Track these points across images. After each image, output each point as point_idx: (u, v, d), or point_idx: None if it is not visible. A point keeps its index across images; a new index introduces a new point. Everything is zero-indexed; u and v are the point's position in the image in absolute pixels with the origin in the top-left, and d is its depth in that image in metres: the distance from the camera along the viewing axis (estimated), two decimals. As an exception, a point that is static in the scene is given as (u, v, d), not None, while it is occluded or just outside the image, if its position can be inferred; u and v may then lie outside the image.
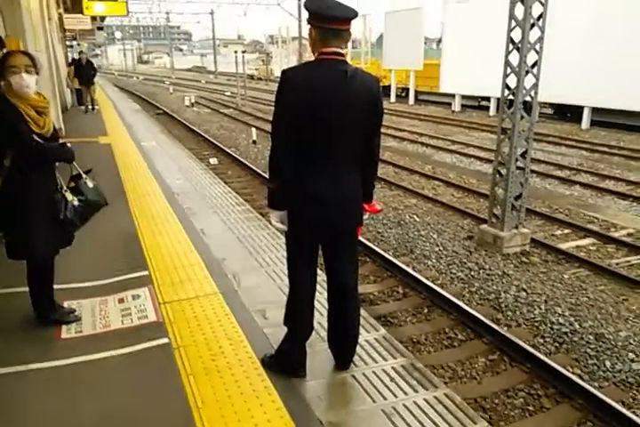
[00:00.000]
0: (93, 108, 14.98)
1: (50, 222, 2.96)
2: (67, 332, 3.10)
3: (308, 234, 2.51)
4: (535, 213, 7.99)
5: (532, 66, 6.45)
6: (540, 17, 6.34)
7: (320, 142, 2.37)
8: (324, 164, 2.40)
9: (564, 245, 6.72)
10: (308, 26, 2.36)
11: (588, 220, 7.85)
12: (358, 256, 2.76)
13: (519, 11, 6.26)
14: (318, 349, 2.85)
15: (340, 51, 2.33)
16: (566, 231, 7.32)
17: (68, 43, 26.12)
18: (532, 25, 6.31)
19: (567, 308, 5.05)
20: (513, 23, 6.41)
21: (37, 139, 2.83)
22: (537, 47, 6.40)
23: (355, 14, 2.30)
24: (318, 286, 2.68)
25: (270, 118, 2.51)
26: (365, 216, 2.65)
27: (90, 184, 3.15)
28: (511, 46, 6.51)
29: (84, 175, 3.17)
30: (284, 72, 2.36)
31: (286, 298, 2.66)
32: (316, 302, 2.68)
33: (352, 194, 2.49)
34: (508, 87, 6.61)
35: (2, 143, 2.82)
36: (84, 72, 14.53)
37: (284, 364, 2.67)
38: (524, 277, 5.79)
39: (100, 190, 3.22)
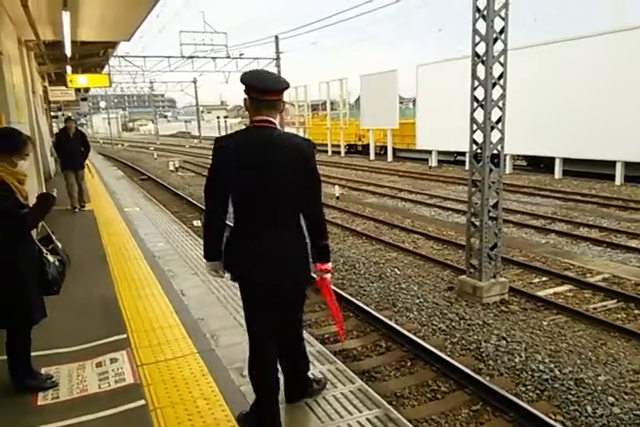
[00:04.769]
0: (83, 206, 9.88)
1: (39, 287, 3.13)
2: (43, 398, 3.09)
3: (255, 294, 2.61)
4: (513, 262, 8.13)
5: (497, 122, 6.79)
6: (500, 76, 6.74)
7: (253, 204, 2.49)
8: (260, 224, 2.51)
9: (542, 293, 6.83)
10: (245, 96, 2.52)
11: (564, 267, 8.00)
12: (302, 315, 2.91)
13: (481, 71, 6.67)
14: (292, 405, 2.88)
15: (270, 119, 2.48)
16: (544, 279, 7.45)
17: (53, 113, 26.82)
18: (494, 84, 6.70)
19: (547, 354, 5.09)
20: (476, 82, 6.80)
21: (23, 211, 3.00)
22: (500, 104, 6.77)
23: (285, 86, 2.48)
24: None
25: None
26: (328, 275, 2.72)
27: (59, 244, 3.37)
28: (475, 104, 6.88)
29: (53, 236, 3.36)
30: (216, 140, 2.55)
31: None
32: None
33: (293, 253, 2.56)
34: (475, 142, 6.92)
35: None
36: (70, 149, 9.45)
37: (259, 420, 2.68)
38: (504, 325, 5.85)
39: (63, 249, 3.42)
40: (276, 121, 2.53)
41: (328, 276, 2.70)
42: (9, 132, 3.19)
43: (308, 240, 2.57)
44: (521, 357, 5.06)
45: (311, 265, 2.62)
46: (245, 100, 2.51)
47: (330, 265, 2.68)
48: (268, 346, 2.67)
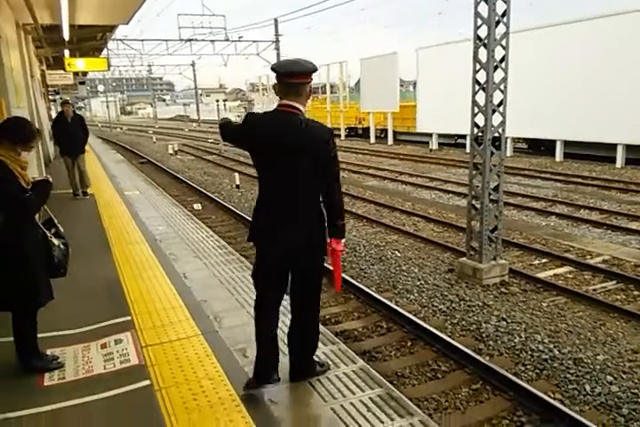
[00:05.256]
0: (85, 192, 9.52)
1: (45, 270, 3.17)
2: (49, 379, 3.13)
3: (268, 270, 2.76)
4: (513, 245, 8.16)
5: (499, 105, 6.75)
6: (502, 60, 6.68)
7: (275, 183, 2.67)
8: (278, 203, 2.68)
9: (541, 275, 6.87)
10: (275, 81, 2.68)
11: (564, 249, 8.04)
12: (320, 292, 2.97)
13: (483, 54, 6.61)
14: (295, 384, 2.93)
15: (295, 104, 2.63)
16: (544, 261, 7.48)
17: (50, 97, 26.65)
18: (496, 67, 6.64)
19: (546, 335, 5.14)
20: (477, 66, 6.74)
21: (25, 195, 3.01)
22: (501, 87, 6.71)
23: (310, 69, 2.60)
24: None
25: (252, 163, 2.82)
26: (340, 247, 2.82)
27: (61, 228, 3.40)
28: (477, 87, 6.83)
29: (55, 220, 3.38)
30: (247, 114, 2.75)
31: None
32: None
33: (308, 235, 2.70)
34: (476, 125, 6.89)
35: None
36: (68, 134, 9.05)
37: (258, 370, 2.81)
38: (504, 306, 5.89)
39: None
40: (303, 108, 2.65)
41: (340, 247, 2.84)
42: (22, 124, 3.19)
43: (325, 221, 2.71)
44: (521, 337, 5.12)
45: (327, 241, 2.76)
46: (275, 85, 2.66)
47: (343, 242, 2.83)
48: (268, 319, 2.81)
